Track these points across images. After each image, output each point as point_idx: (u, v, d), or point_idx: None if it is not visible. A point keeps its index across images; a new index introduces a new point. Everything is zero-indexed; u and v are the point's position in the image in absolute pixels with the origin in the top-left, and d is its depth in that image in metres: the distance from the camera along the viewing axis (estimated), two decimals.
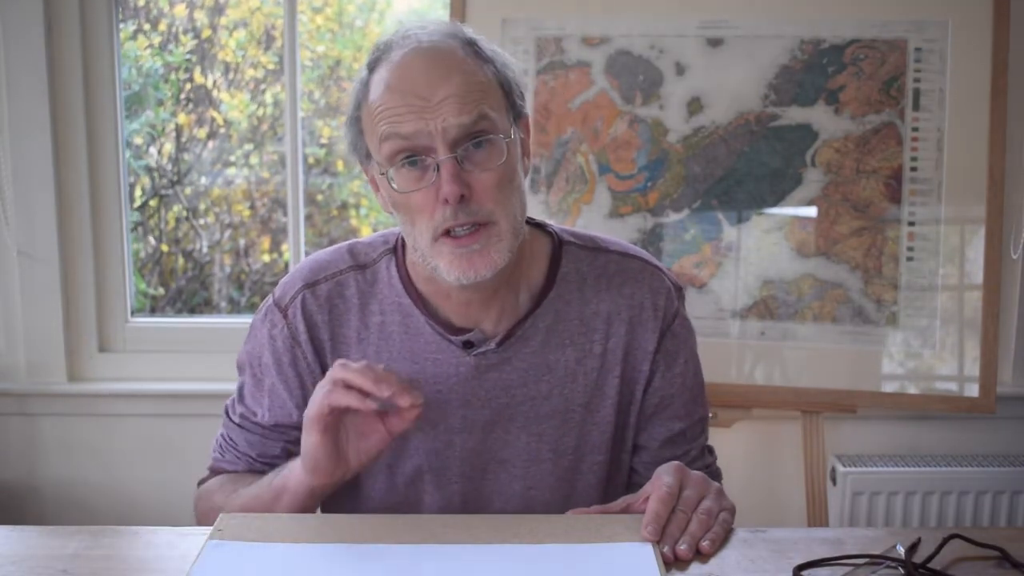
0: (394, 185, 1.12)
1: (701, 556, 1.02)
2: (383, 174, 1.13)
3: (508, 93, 1.16)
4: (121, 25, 2.47)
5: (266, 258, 2.96)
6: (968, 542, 1.02)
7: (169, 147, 2.80)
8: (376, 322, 1.23)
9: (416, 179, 1.11)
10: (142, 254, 2.82)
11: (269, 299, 1.28)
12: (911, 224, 1.90)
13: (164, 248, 2.90)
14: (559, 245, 1.27)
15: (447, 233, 1.11)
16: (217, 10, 2.72)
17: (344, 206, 2.97)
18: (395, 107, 1.09)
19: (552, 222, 1.31)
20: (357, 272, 1.25)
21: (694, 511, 1.05)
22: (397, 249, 1.26)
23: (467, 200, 1.09)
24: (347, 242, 1.30)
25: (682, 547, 1.01)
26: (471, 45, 1.15)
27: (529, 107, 1.21)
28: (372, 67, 1.15)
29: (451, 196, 1.08)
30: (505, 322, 1.22)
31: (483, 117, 1.10)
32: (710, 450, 1.36)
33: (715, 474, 1.34)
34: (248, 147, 2.88)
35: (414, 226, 1.13)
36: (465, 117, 1.08)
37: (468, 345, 1.21)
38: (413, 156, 1.10)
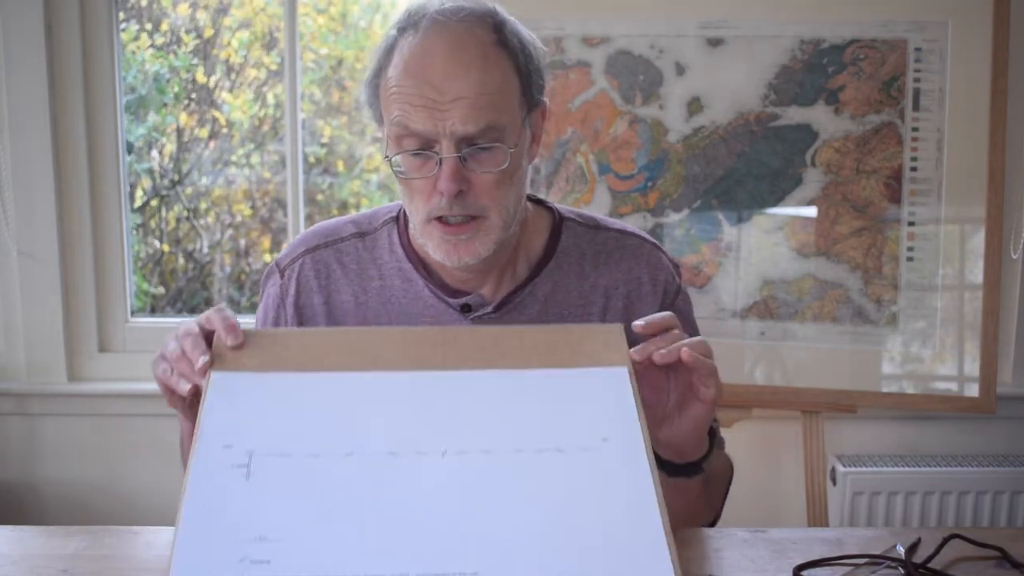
0: (397, 169, 1.15)
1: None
2: (387, 158, 1.15)
3: (526, 83, 1.16)
4: (124, 26, 2.47)
5: (267, 258, 2.96)
6: (968, 542, 1.02)
7: (170, 147, 2.80)
8: (375, 287, 1.26)
9: (418, 166, 1.13)
10: (143, 254, 2.82)
11: (274, 259, 1.32)
12: (911, 224, 1.90)
13: (165, 248, 2.90)
14: (560, 221, 1.29)
15: (439, 218, 1.14)
16: (220, 10, 2.72)
17: (344, 206, 2.97)
18: (409, 95, 1.11)
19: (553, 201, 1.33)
20: (358, 239, 1.29)
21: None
22: (400, 218, 1.29)
23: (463, 194, 1.12)
24: (356, 213, 1.34)
25: (662, 351, 1.00)
26: (499, 30, 1.14)
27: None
28: (400, 31, 1.15)
29: (448, 192, 1.11)
30: (503, 289, 1.25)
31: (491, 128, 1.11)
32: (714, 418, 1.35)
33: (719, 440, 1.33)
34: (249, 147, 2.88)
35: (411, 203, 1.17)
36: (472, 127, 1.10)
37: (466, 309, 1.23)
38: (419, 149, 1.12)
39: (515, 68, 1.15)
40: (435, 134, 1.10)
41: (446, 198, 1.11)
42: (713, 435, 1.17)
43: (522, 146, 1.17)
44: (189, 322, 1.05)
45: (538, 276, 1.25)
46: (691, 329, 1.30)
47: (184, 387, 0.99)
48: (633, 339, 1.04)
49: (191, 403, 1.02)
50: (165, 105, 2.67)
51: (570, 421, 0.95)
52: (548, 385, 0.99)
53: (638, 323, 1.02)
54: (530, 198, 1.29)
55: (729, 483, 1.31)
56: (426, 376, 1.00)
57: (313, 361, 1.01)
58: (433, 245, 1.16)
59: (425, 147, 1.12)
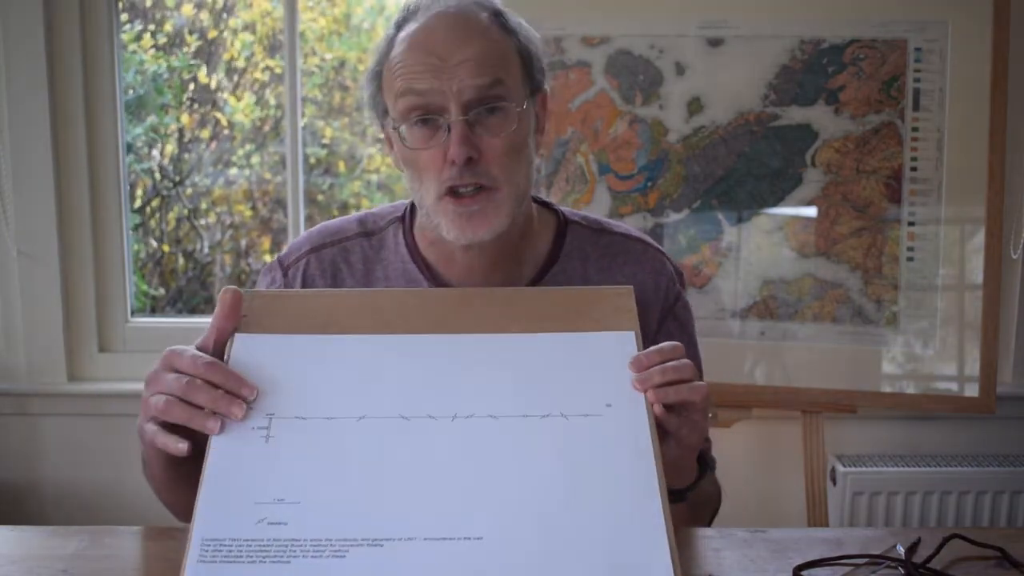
0: (406, 142, 1.13)
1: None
2: (395, 129, 1.14)
3: (528, 66, 1.17)
4: (127, 27, 2.47)
5: (267, 258, 2.96)
6: (968, 542, 1.02)
7: (171, 147, 2.80)
8: (380, 287, 1.25)
9: (427, 137, 1.12)
10: (143, 254, 2.82)
11: (275, 257, 1.30)
12: (911, 224, 1.90)
13: (165, 248, 2.90)
14: (565, 223, 1.29)
15: (451, 192, 1.12)
16: (225, 11, 2.72)
17: (345, 206, 2.97)
18: (414, 64, 1.11)
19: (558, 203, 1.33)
20: (363, 239, 1.28)
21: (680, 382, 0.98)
22: (405, 217, 1.28)
23: (474, 163, 1.10)
24: (359, 212, 1.33)
25: (659, 391, 0.96)
26: (497, 16, 1.16)
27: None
28: (399, 26, 1.16)
29: (458, 158, 1.09)
30: None
31: (498, 82, 1.11)
32: (706, 438, 1.34)
33: (710, 462, 1.33)
34: (249, 148, 2.88)
35: (421, 183, 1.15)
36: (481, 79, 1.09)
37: None
38: (426, 115, 1.11)
39: (516, 48, 1.16)
40: (442, 96, 1.09)
41: (457, 165, 1.09)
42: (704, 461, 1.16)
43: (528, 119, 1.16)
44: (174, 359, 0.96)
45: (542, 280, 1.25)
46: (688, 339, 1.29)
47: (214, 426, 0.92)
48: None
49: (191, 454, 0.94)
50: (165, 106, 2.67)
51: (576, 386, 0.97)
52: (558, 349, 1.01)
53: (630, 363, 0.98)
54: (535, 200, 1.28)
55: (715, 511, 1.29)
56: (440, 339, 1.02)
57: (332, 323, 1.03)
58: (447, 222, 1.13)
59: (433, 112, 1.11)
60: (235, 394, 0.93)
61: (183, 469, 0.99)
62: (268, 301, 1.06)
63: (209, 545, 0.84)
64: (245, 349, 1.00)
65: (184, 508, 0.95)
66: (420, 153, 1.13)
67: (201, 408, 0.93)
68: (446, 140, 1.10)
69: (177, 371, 0.95)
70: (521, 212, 1.18)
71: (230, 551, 0.84)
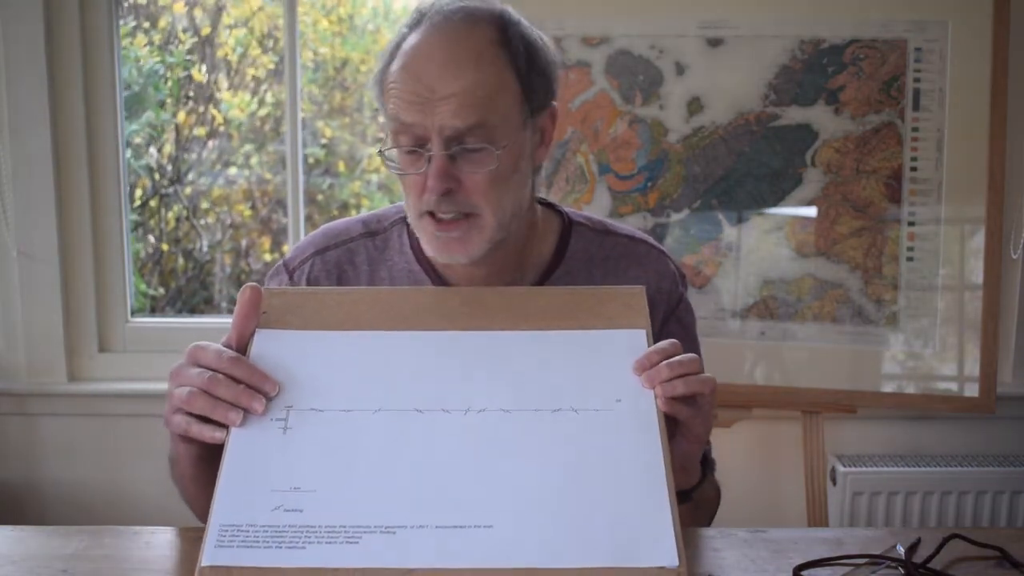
0: (392, 164, 1.15)
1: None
2: (380, 152, 1.16)
3: (528, 87, 1.15)
4: (120, 23, 2.47)
5: (267, 258, 2.96)
6: (968, 542, 1.02)
7: (169, 147, 2.80)
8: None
9: (411, 163, 1.13)
10: (142, 254, 2.82)
11: (280, 260, 1.31)
12: (911, 224, 1.90)
13: (164, 248, 2.90)
14: (569, 225, 1.29)
15: (431, 214, 1.13)
16: (218, 9, 2.72)
17: (345, 206, 2.97)
18: (404, 91, 1.11)
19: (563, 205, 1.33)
20: (368, 239, 1.28)
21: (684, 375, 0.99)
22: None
23: (453, 193, 1.11)
24: (363, 213, 1.33)
25: (667, 387, 0.97)
26: (503, 31, 1.14)
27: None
28: (409, 28, 1.16)
29: (435, 191, 1.10)
30: None
31: (480, 125, 1.10)
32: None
33: (710, 464, 1.33)
34: (248, 147, 2.88)
35: (407, 198, 1.17)
36: (459, 122, 1.09)
37: None
38: (411, 145, 1.12)
39: (515, 70, 1.13)
40: (425, 130, 1.10)
41: (435, 196, 1.11)
42: (705, 461, 1.16)
43: (520, 148, 1.15)
44: (198, 354, 0.98)
45: (547, 281, 1.25)
46: (691, 341, 1.29)
47: (236, 418, 0.95)
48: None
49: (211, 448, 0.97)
50: (163, 104, 2.67)
51: (587, 382, 0.99)
52: (569, 346, 1.03)
53: (634, 365, 0.99)
54: (540, 201, 1.28)
55: (714, 512, 1.29)
56: (454, 336, 1.05)
57: (349, 320, 1.06)
58: (425, 240, 1.16)
59: (418, 144, 1.11)
60: (257, 389, 0.96)
61: (212, 464, 1.00)
62: (287, 299, 1.09)
63: (227, 530, 0.86)
64: (266, 344, 1.02)
65: (208, 508, 0.96)
66: (405, 176, 1.15)
67: (223, 401, 0.96)
68: (427, 169, 1.11)
69: (201, 366, 0.98)
70: (510, 230, 1.18)
71: (247, 536, 0.86)
